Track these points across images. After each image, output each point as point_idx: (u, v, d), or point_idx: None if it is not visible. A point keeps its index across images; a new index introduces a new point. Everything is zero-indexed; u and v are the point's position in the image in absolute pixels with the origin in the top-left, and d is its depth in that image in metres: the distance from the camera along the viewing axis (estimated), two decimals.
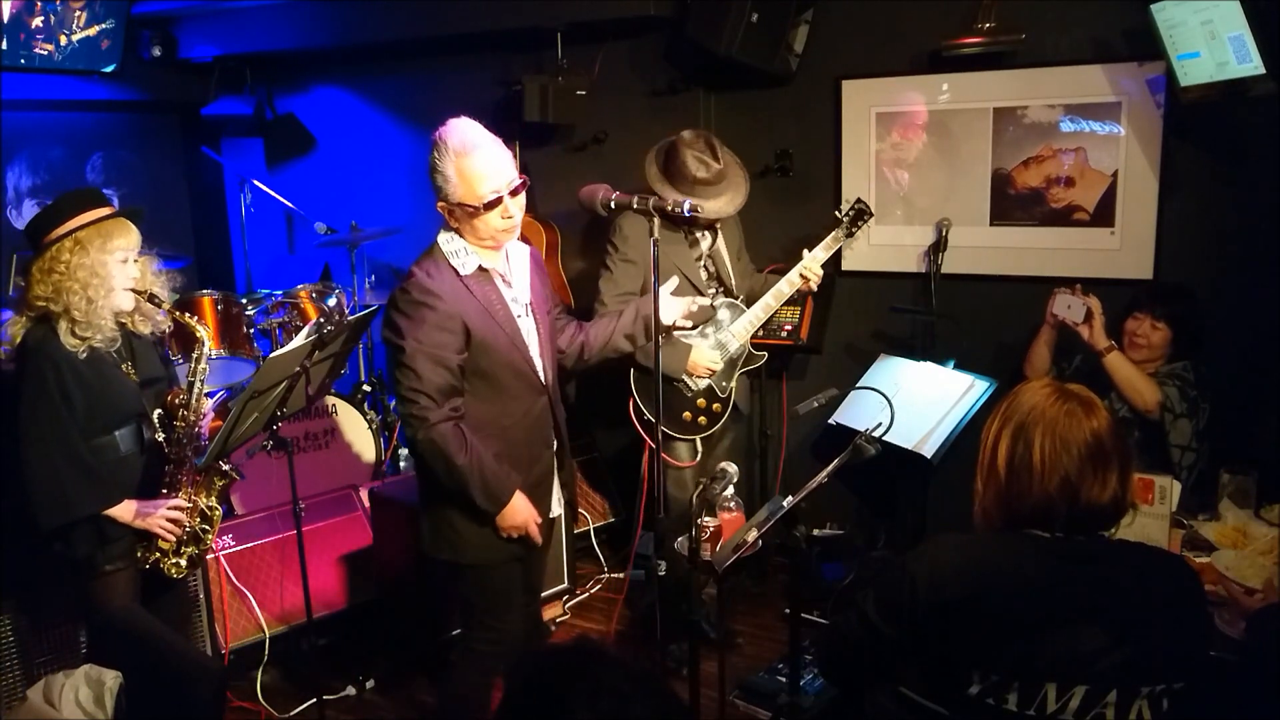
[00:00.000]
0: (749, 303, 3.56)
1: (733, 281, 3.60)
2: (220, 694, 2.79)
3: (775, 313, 3.58)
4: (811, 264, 3.47)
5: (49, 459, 2.49)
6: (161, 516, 2.62)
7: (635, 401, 3.49)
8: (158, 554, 2.68)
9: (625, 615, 4.01)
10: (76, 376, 2.52)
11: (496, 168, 2.43)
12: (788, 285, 3.49)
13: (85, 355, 2.54)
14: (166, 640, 2.64)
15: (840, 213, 3.59)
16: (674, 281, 2.86)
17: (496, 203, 2.43)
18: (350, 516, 3.89)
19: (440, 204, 2.49)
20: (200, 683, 2.58)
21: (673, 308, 2.85)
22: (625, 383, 3.49)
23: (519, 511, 2.55)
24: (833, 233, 3.55)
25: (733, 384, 3.56)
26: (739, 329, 3.53)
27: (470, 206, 2.43)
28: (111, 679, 2.38)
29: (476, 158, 2.41)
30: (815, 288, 3.56)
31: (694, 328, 3.50)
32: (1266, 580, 2.24)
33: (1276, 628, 2.06)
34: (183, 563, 2.74)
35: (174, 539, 2.68)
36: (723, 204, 3.43)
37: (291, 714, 3.37)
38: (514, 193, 2.46)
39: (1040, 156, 3.74)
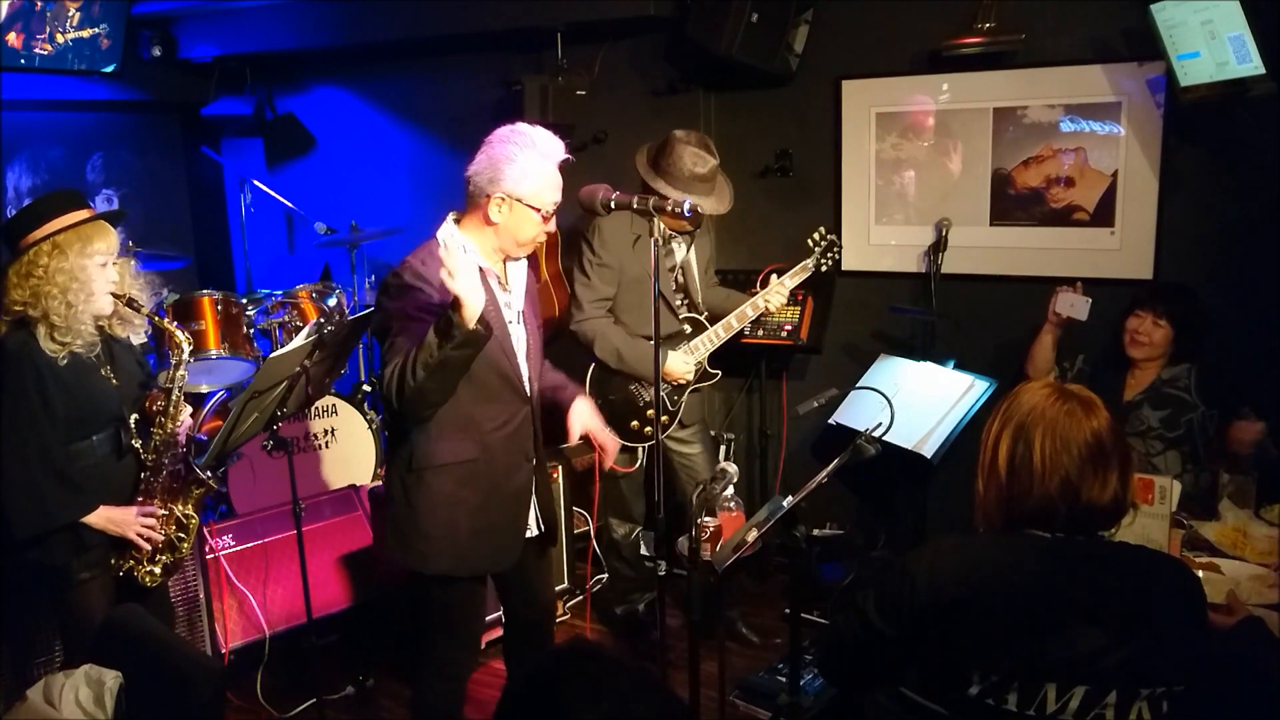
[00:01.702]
0: (712, 320, 3.56)
1: (698, 295, 3.60)
2: (220, 694, 2.77)
3: (761, 316, 3.59)
4: (778, 291, 3.49)
5: (26, 467, 2.46)
6: (137, 524, 2.60)
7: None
8: (131, 562, 2.65)
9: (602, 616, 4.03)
10: (56, 382, 2.49)
11: (559, 182, 2.49)
12: (752, 309, 3.50)
13: (65, 360, 2.51)
14: (166, 640, 2.63)
15: (813, 242, 3.61)
16: None
17: (550, 217, 2.48)
18: (350, 516, 3.89)
19: (498, 195, 2.41)
20: (200, 683, 2.57)
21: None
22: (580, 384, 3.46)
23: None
24: (802, 262, 3.58)
25: (683, 398, 3.56)
26: (698, 345, 3.52)
27: (534, 207, 2.44)
28: (111, 679, 2.37)
29: (552, 166, 2.46)
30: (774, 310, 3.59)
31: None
32: (1230, 593, 2.22)
33: (1255, 644, 2.05)
34: (157, 571, 2.70)
35: (149, 547, 2.65)
36: (714, 203, 3.42)
37: (291, 714, 3.37)
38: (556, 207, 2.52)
39: (1040, 156, 3.74)
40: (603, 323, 3.42)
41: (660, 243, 2.46)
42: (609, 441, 2.81)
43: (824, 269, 3.65)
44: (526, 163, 2.42)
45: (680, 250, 3.54)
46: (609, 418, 3.44)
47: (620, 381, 3.48)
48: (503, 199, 2.42)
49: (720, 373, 3.65)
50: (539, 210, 2.45)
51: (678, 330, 3.54)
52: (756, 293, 3.57)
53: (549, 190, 2.45)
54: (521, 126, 2.47)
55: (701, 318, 3.58)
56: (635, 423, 3.51)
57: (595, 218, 3.36)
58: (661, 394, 3.44)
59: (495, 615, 3.55)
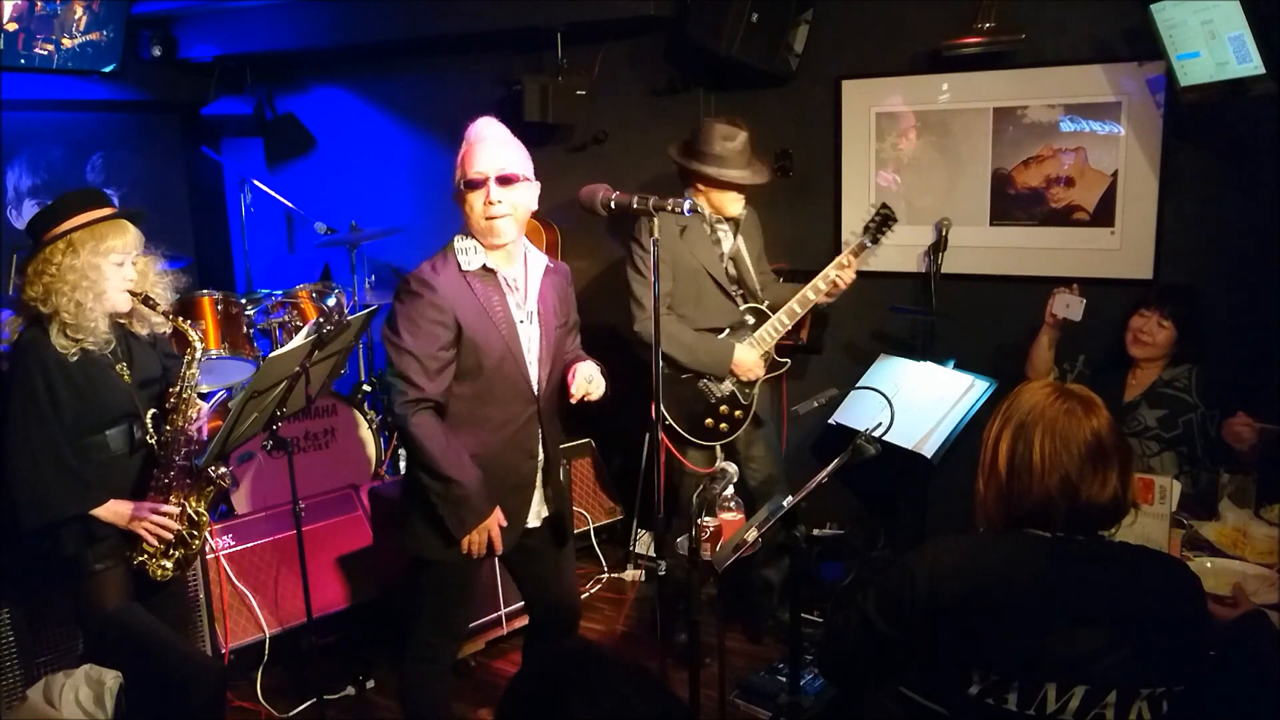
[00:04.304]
0: (773, 309, 3.53)
1: (755, 285, 3.55)
2: (220, 694, 2.78)
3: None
4: (841, 273, 3.41)
5: (32, 460, 2.49)
6: (147, 519, 2.61)
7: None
8: (143, 556, 2.66)
9: (628, 616, 4.02)
10: (66, 378, 2.51)
11: (491, 155, 2.50)
12: (813, 292, 3.43)
13: (76, 357, 2.53)
14: (166, 640, 2.64)
15: (867, 217, 3.56)
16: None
17: (478, 184, 2.47)
18: (350, 516, 3.89)
19: (455, 193, 2.55)
20: (200, 683, 2.57)
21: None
22: (645, 381, 3.44)
23: (483, 528, 2.55)
24: (860, 239, 3.50)
25: (755, 391, 3.52)
26: (764, 335, 3.49)
27: (468, 183, 2.49)
28: (111, 679, 2.38)
29: (477, 145, 2.52)
30: (840, 294, 3.50)
31: (725, 331, 3.49)
32: (1235, 585, 2.23)
33: (1257, 638, 2.05)
34: (168, 565, 2.71)
35: (158, 543, 2.65)
36: (751, 174, 3.38)
37: (291, 714, 3.36)
38: (501, 180, 2.48)
39: (1040, 156, 3.74)
40: (668, 320, 3.36)
41: (659, 242, 2.45)
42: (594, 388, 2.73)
43: (880, 243, 3.54)
44: (459, 154, 2.54)
45: (728, 239, 3.50)
46: (683, 419, 3.44)
47: (688, 380, 3.43)
48: (456, 193, 2.54)
49: (790, 361, 3.62)
50: (462, 184, 2.49)
51: (739, 321, 3.51)
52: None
53: (470, 164, 2.50)
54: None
55: (763, 307, 3.54)
56: (709, 420, 3.46)
57: (641, 217, 3.35)
58: (733, 388, 3.47)
59: (518, 605, 3.60)
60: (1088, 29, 3.57)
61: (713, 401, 3.47)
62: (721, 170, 3.35)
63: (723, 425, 3.50)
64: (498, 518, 2.56)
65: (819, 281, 3.44)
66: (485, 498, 2.52)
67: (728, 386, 3.48)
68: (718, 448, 3.52)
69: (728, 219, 3.48)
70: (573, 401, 2.67)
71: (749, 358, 3.45)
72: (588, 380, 2.67)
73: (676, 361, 3.38)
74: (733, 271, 3.53)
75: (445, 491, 2.48)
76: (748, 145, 3.41)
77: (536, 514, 2.71)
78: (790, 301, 3.47)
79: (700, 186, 3.41)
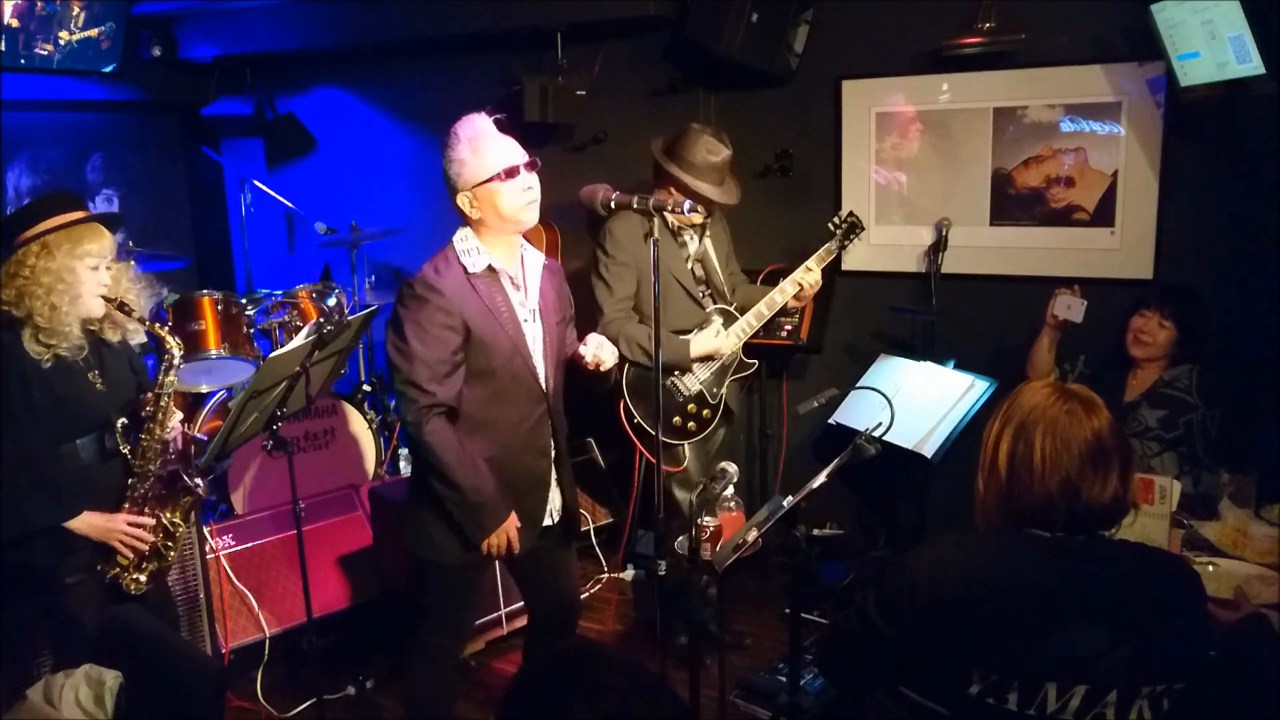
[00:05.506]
0: (741, 310, 3.55)
1: (723, 285, 3.59)
2: (220, 694, 2.77)
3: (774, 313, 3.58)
4: (805, 276, 3.47)
5: (8, 469, 2.41)
6: (122, 531, 2.54)
7: (626, 403, 3.46)
8: (117, 569, 2.59)
9: (628, 616, 4.02)
10: (41, 384, 2.44)
11: (512, 144, 2.52)
12: (780, 295, 3.48)
13: (50, 363, 2.46)
14: (166, 640, 2.63)
15: (834, 224, 3.61)
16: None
17: (515, 171, 2.48)
18: (350, 516, 3.90)
19: (461, 195, 2.49)
20: (200, 683, 2.57)
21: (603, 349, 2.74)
22: (617, 383, 3.45)
23: (502, 530, 2.55)
24: (826, 245, 3.57)
25: (723, 390, 3.54)
26: (733, 335, 3.51)
27: (490, 179, 2.46)
28: (111, 679, 2.37)
29: (488, 138, 2.50)
30: (808, 298, 3.57)
31: (691, 333, 3.50)
32: (1237, 589, 2.23)
33: (1256, 640, 2.05)
34: (142, 579, 2.62)
35: (132, 555, 2.58)
36: (722, 192, 3.43)
37: (291, 714, 3.36)
38: (528, 166, 2.51)
39: (1040, 156, 3.74)
40: (626, 323, 3.39)
41: (658, 242, 2.46)
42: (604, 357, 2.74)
43: (846, 250, 3.64)
44: (461, 153, 2.48)
45: (694, 242, 3.53)
46: (651, 417, 3.44)
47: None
48: (467, 196, 2.50)
49: (757, 363, 3.64)
50: (498, 176, 2.47)
51: (706, 322, 3.53)
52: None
53: (491, 155, 2.48)
54: (451, 128, 2.53)
55: (731, 308, 3.56)
56: (678, 419, 3.48)
57: (606, 221, 3.37)
58: (700, 387, 3.49)
59: (518, 605, 3.61)
60: (1088, 29, 3.57)
61: (680, 400, 3.48)
62: (696, 182, 3.37)
63: (690, 424, 3.51)
64: (514, 519, 2.56)
65: (786, 285, 3.48)
66: (501, 501, 2.52)
67: (695, 385, 3.49)
68: (685, 445, 3.53)
69: (692, 224, 3.50)
70: (588, 369, 2.66)
71: (711, 341, 3.46)
72: (598, 346, 2.67)
73: (641, 362, 3.39)
74: (699, 273, 3.55)
75: (462, 498, 2.47)
76: (727, 163, 3.45)
77: (552, 512, 2.72)
78: (758, 304, 3.49)
79: (672, 190, 3.42)
